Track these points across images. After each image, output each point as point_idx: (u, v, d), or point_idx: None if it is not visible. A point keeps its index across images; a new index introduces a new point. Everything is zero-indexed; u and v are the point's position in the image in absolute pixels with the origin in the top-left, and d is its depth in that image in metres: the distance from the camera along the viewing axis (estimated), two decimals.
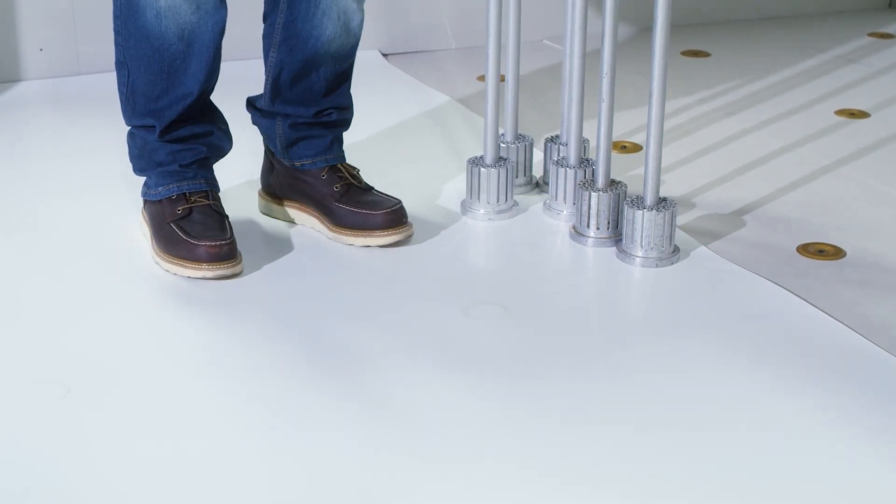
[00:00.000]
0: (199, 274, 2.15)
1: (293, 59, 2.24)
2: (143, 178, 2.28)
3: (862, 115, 2.95)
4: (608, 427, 1.79)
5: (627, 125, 2.83)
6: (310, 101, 2.27)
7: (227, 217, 2.24)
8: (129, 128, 2.26)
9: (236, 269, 2.17)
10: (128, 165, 2.25)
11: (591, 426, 1.79)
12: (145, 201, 2.27)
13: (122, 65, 2.20)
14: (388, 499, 1.64)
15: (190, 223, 2.19)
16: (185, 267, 2.16)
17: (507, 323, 2.06)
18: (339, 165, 2.31)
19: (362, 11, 2.25)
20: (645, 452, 1.73)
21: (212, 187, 2.25)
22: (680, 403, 1.84)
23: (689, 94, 3.06)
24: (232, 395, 1.87)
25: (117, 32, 2.18)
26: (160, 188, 2.23)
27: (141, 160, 2.25)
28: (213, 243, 2.15)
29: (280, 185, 2.35)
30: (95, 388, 1.87)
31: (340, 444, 1.75)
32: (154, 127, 2.20)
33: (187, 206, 2.21)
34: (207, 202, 2.22)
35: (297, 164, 2.30)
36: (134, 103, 2.20)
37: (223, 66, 2.21)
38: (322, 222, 2.31)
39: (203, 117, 2.23)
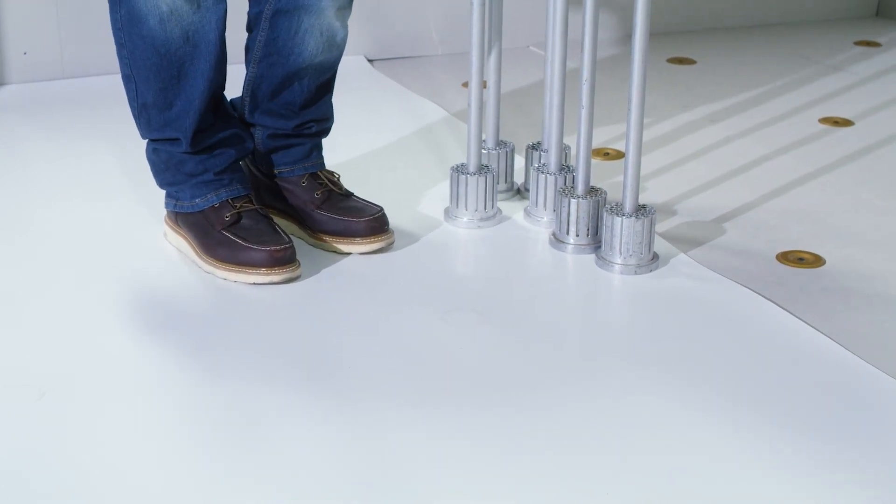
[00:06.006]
0: (267, 279, 2.14)
1: (273, 74, 2.23)
2: (162, 189, 2.25)
3: (846, 123, 2.96)
4: (589, 433, 1.79)
5: (611, 132, 2.83)
6: (290, 114, 2.26)
7: (272, 218, 2.23)
8: (148, 142, 2.21)
9: (299, 272, 2.17)
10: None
11: (568, 434, 1.79)
12: (177, 213, 2.24)
13: (129, 79, 2.15)
14: None
15: (242, 229, 2.17)
16: (249, 273, 2.15)
17: (484, 330, 2.06)
18: (318, 172, 2.30)
19: (346, 28, 2.24)
20: (629, 465, 1.74)
21: (248, 190, 2.24)
22: (659, 410, 1.84)
23: (674, 102, 3.06)
24: (214, 399, 1.87)
25: (121, 45, 2.12)
26: (197, 199, 2.20)
27: (168, 174, 2.21)
28: (278, 247, 2.15)
29: (258, 192, 2.34)
30: (77, 389, 1.87)
31: (316, 452, 1.75)
32: (179, 140, 2.16)
33: (234, 212, 2.18)
34: (252, 206, 2.21)
35: (277, 171, 2.30)
36: (148, 116, 2.15)
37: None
38: (302, 229, 2.31)
39: (223, 119, 2.20)
